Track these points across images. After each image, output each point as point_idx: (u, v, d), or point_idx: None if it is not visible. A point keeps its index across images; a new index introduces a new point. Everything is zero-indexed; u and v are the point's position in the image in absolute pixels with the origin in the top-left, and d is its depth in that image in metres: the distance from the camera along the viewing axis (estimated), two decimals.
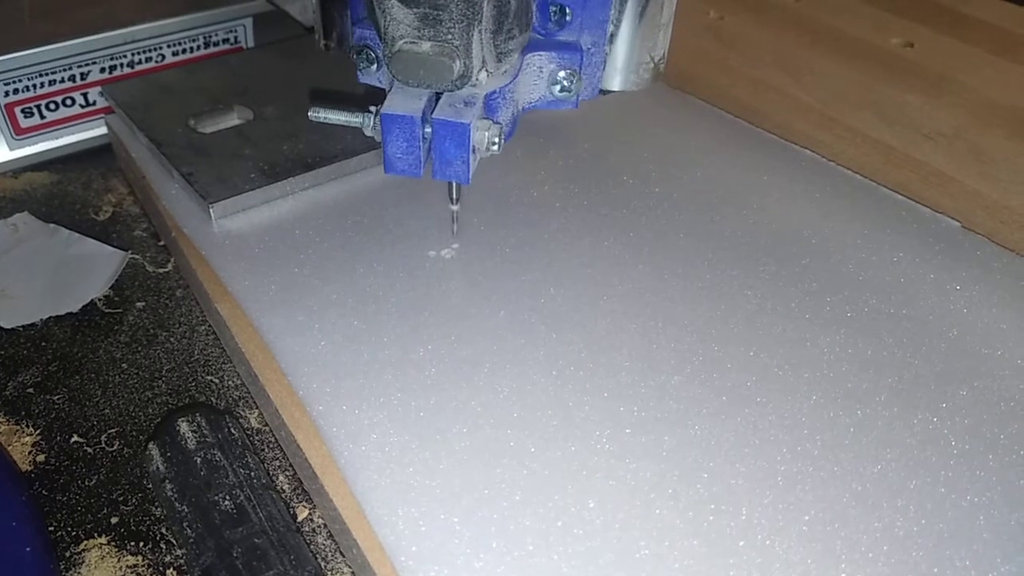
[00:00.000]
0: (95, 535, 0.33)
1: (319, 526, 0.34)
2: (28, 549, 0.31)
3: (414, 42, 0.33)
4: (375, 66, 0.38)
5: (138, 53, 0.55)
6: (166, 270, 0.46)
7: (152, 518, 0.34)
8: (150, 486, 0.35)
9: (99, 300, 0.44)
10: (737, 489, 0.32)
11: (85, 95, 0.54)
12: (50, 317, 0.43)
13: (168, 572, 0.32)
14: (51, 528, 0.34)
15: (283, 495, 0.35)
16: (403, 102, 0.34)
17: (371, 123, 0.36)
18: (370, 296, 0.40)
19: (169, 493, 0.33)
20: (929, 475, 0.32)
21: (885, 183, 0.48)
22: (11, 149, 0.53)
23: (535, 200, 0.46)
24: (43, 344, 0.42)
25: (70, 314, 0.43)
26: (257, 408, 0.39)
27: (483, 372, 0.36)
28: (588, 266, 0.42)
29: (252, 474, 0.34)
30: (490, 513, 0.31)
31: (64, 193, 0.52)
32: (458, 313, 0.39)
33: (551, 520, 0.31)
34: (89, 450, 0.37)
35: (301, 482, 0.36)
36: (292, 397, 0.35)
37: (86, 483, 0.35)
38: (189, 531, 0.31)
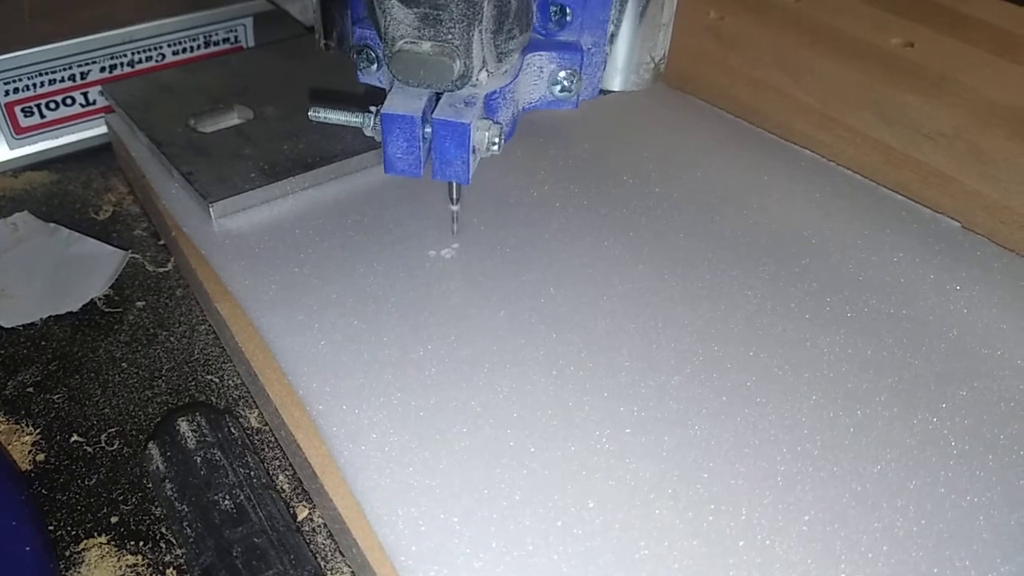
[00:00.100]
0: (95, 534, 0.33)
1: (319, 526, 0.34)
2: (28, 548, 0.31)
3: (414, 42, 0.33)
4: (375, 66, 0.37)
5: (138, 52, 0.55)
6: (166, 269, 0.46)
7: (152, 517, 0.34)
8: (150, 485, 0.35)
9: (99, 299, 0.44)
10: (737, 489, 0.32)
11: (85, 94, 0.54)
12: (50, 316, 0.43)
13: (168, 571, 0.32)
14: (51, 527, 0.34)
15: (283, 495, 0.35)
16: (403, 102, 0.34)
17: (371, 123, 0.36)
18: (370, 296, 0.40)
19: (169, 492, 0.33)
20: (929, 475, 0.32)
21: (885, 183, 0.48)
22: (11, 148, 0.53)
23: (535, 200, 0.46)
24: (43, 343, 0.42)
25: (70, 313, 0.43)
26: (257, 407, 0.39)
27: (483, 372, 0.36)
28: (588, 266, 0.42)
29: (252, 473, 0.34)
30: (490, 513, 0.31)
31: (64, 192, 0.52)
32: (458, 313, 0.39)
33: (551, 520, 0.31)
34: (89, 449, 0.37)
35: (301, 482, 0.36)
36: (292, 396, 0.35)
37: (86, 482, 0.35)
38: (189, 530, 0.31)
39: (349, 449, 0.33)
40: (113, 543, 0.33)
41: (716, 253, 0.43)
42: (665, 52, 0.39)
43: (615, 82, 0.40)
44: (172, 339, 0.42)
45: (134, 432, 0.37)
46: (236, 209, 0.44)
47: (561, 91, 0.38)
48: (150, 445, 0.35)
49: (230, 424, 0.36)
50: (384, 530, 0.30)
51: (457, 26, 0.32)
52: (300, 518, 0.34)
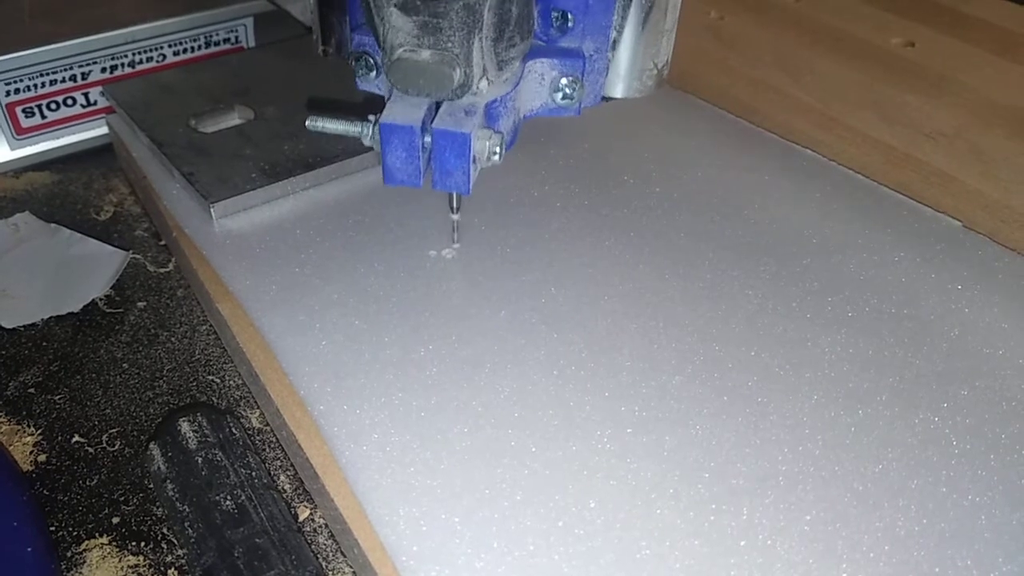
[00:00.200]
0: (96, 535, 0.33)
1: (320, 526, 0.34)
2: (29, 549, 0.31)
3: (413, 50, 0.32)
4: (374, 73, 0.37)
5: (139, 53, 0.55)
6: (167, 270, 0.46)
7: (153, 518, 0.34)
8: (151, 486, 0.35)
9: (100, 300, 0.44)
10: (738, 489, 0.32)
11: (86, 95, 0.54)
12: (51, 317, 0.43)
13: (169, 572, 0.32)
14: (52, 528, 0.34)
15: (284, 495, 0.35)
16: (402, 111, 0.34)
17: (370, 132, 0.35)
18: (371, 296, 0.40)
19: (170, 493, 0.33)
20: (930, 475, 0.32)
21: (886, 183, 0.48)
22: (12, 149, 0.53)
23: (536, 200, 0.46)
24: (44, 344, 0.42)
25: (71, 314, 0.43)
26: (258, 408, 0.39)
27: (484, 372, 0.36)
28: (589, 266, 0.42)
29: (253, 474, 0.34)
30: (491, 513, 0.31)
31: (65, 193, 0.52)
32: (459, 313, 0.39)
33: (552, 520, 0.31)
34: (90, 450, 0.37)
35: (302, 482, 0.36)
36: (293, 397, 0.35)
37: (87, 483, 0.35)
38: (190, 531, 0.31)
39: (350, 449, 0.33)
40: (114, 544, 0.33)
41: (717, 253, 0.43)
42: (668, 58, 0.38)
43: (617, 89, 0.39)
44: (173, 339, 0.42)
45: (135, 432, 0.37)
46: (237, 209, 0.44)
47: (563, 98, 0.37)
48: (151, 445, 0.35)
49: (231, 424, 0.36)
50: (385, 530, 0.30)
51: (457, 34, 0.32)
52: (301, 518, 0.34)
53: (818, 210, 0.46)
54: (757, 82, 0.54)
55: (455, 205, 0.41)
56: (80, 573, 0.32)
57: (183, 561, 0.33)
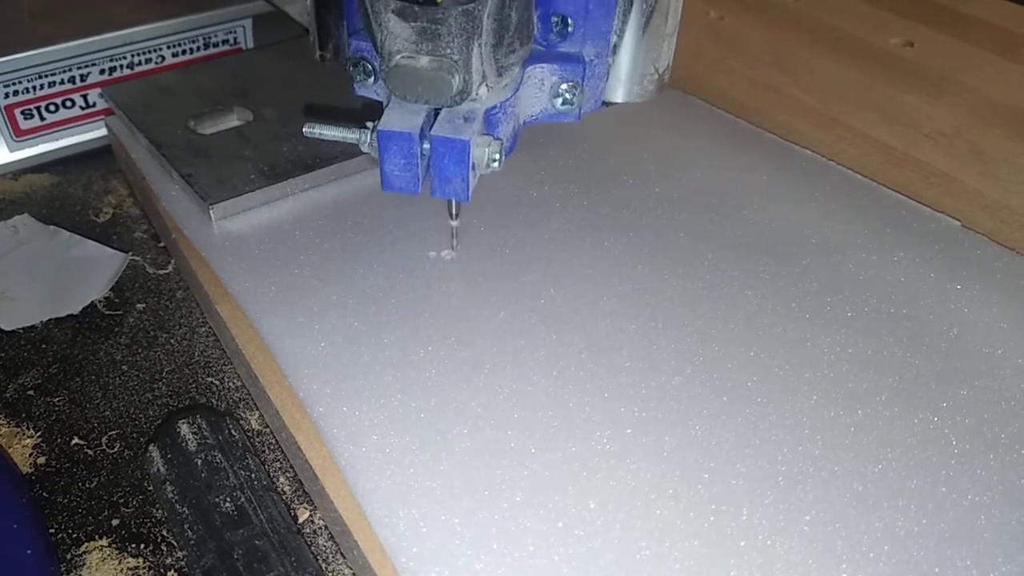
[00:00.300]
0: (96, 537, 0.33)
1: (320, 528, 0.34)
2: (29, 551, 0.31)
3: (412, 57, 0.32)
4: (372, 79, 0.37)
5: (138, 54, 0.55)
6: (166, 272, 0.46)
7: (153, 520, 0.34)
8: (151, 488, 0.35)
9: (99, 302, 0.44)
10: (738, 489, 0.32)
11: (85, 97, 0.54)
12: (50, 319, 0.43)
13: (169, 574, 0.32)
14: (52, 530, 0.34)
15: (284, 497, 0.35)
16: (401, 118, 0.33)
17: (368, 139, 0.35)
18: (370, 297, 0.40)
19: (170, 495, 0.33)
20: (930, 475, 0.32)
21: (885, 183, 0.48)
22: (11, 151, 0.53)
23: (535, 201, 0.46)
24: (43, 346, 0.42)
25: (70, 316, 0.43)
26: (258, 410, 0.39)
27: (483, 373, 0.36)
28: (588, 267, 0.42)
29: (253, 476, 0.34)
30: (491, 514, 0.31)
31: (64, 195, 0.52)
32: (458, 314, 0.39)
33: (552, 521, 0.31)
34: (90, 452, 0.37)
35: (302, 484, 0.36)
36: (293, 399, 0.35)
37: (87, 485, 0.35)
38: (190, 533, 0.31)
39: (350, 451, 0.33)
40: (114, 546, 0.33)
41: (716, 253, 0.43)
42: (669, 63, 0.38)
43: (618, 94, 0.39)
44: (172, 341, 0.42)
45: (135, 435, 0.37)
46: (236, 211, 0.44)
47: (563, 104, 0.37)
48: (151, 447, 0.35)
49: (231, 426, 0.36)
50: (385, 532, 0.30)
51: (456, 40, 0.31)
52: (301, 520, 0.34)
53: (817, 210, 0.46)
54: (756, 82, 0.54)
55: (454, 212, 0.41)
56: (80, 575, 0.32)
57: (183, 563, 0.32)
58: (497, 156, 0.34)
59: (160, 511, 0.34)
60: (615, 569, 0.29)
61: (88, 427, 0.38)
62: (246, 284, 0.41)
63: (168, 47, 0.56)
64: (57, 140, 0.54)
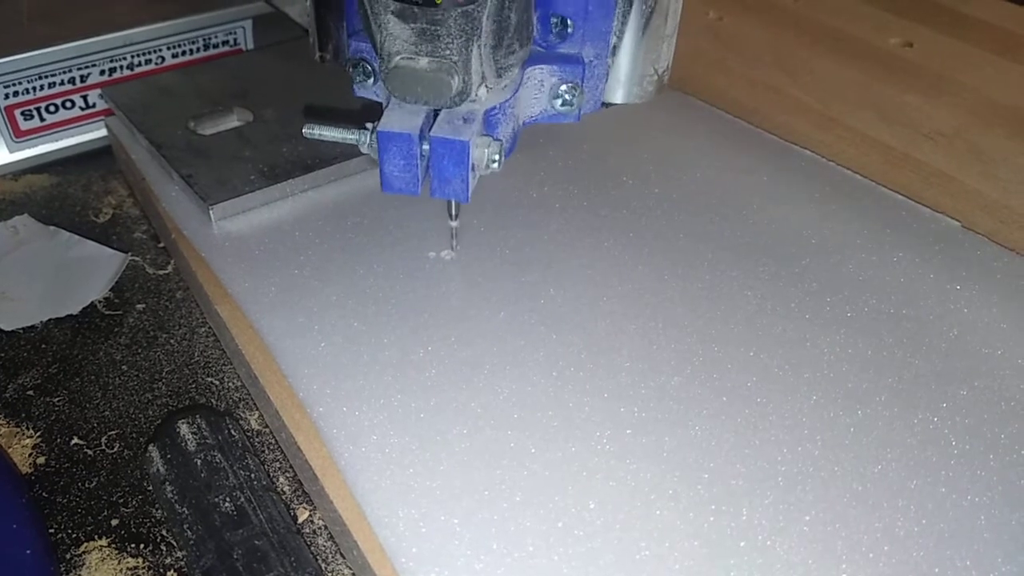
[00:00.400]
0: (95, 537, 0.33)
1: (320, 528, 0.34)
2: (28, 551, 0.31)
3: (411, 58, 0.32)
4: (371, 80, 0.37)
5: (138, 55, 0.55)
6: (166, 272, 0.46)
7: (152, 520, 0.34)
8: (150, 488, 0.35)
9: (99, 302, 0.44)
10: (737, 490, 0.32)
11: (85, 97, 0.54)
12: (50, 319, 0.43)
13: (168, 574, 0.32)
14: (51, 530, 0.34)
15: (283, 497, 0.35)
16: (400, 119, 0.33)
17: (367, 140, 0.35)
18: (370, 297, 0.40)
19: (169, 495, 0.33)
20: (930, 475, 0.32)
21: (885, 183, 0.48)
22: (11, 152, 0.53)
23: (535, 201, 0.46)
24: (43, 346, 0.42)
25: (70, 316, 0.43)
26: (257, 410, 0.39)
27: (483, 373, 0.36)
28: (588, 267, 0.42)
29: (252, 476, 0.34)
30: (490, 514, 0.31)
31: (64, 195, 0.52)
32: (458, 314, 0.39)
33: (552, 521, 0.31)
34: (89, 452, 0.37)
35: (301, 484, 0.36)
36: (292, 399, 0.35)
37: (86, 485, 0.35)
38: (189, 533, 0.31)
39: (350, 451, 0.33)
40: (114, 546, 0.33)
41: (716, 254, 0.43)
42: (669, 64, 0.38)
43: (617, 95, 0.39)
44: (172, 341, 0.42)
45: (134, 435, 0.37)
46: (236, 211, 0.44)
47: (562, 105, 0.37)
48: (150, 448, 0.35)
49: (230, 426, 0.36)
50: (385, 532, 0.30)
51: (455, 41, 0.31)
52: (301, 520, 0.34)
53: (817, 210, 0.46)
54: (756, 82, 0.54)
55: (454, 212, 0.41)
56: (79, 575, 0.32)
57: (182, 563, 0.32)
58: (496, 157, 0.34)
59: (160, 511, 0.34)
60: (615, 569, 0.29)
61: (88, 427, 0.38)
62: (246, 284, 0.41)
63: (168, 48, 0.56)
64: (57, 141, 0.54)
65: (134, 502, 0.35)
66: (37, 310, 0.43)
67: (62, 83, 0.52)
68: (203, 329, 0.43)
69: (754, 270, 0.42)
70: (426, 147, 0.34)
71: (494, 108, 0.35)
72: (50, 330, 0.42)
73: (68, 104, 0.53)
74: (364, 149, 0.35)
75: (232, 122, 0.51)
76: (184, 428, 0.35)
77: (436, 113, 0.34)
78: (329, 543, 0.33)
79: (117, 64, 0.54)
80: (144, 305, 0.44)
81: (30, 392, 0.39)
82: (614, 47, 0.37)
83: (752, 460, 0.33)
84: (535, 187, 0.47)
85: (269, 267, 0.42)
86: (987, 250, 0.43)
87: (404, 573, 0.29)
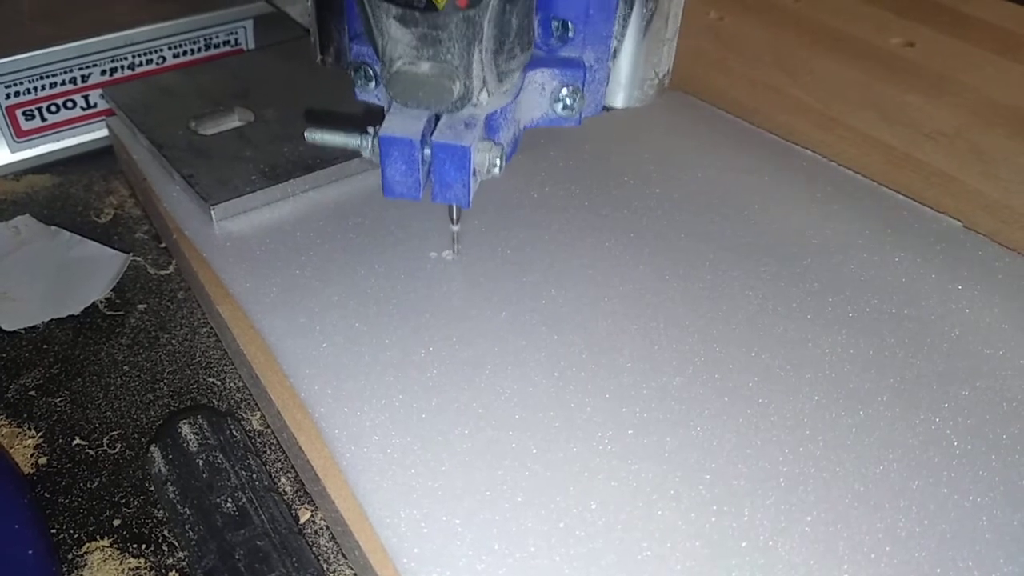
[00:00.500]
0: (97, 537, 0.33)
1: (321, 528, 0.34)
2: (30, 552, 0.31)
3: (413, 63, 0.32)
4: (373, 83, 0.37)
5: (139, 55, 0.55)
6: (167, 272, 0.46)
7: (154, 520, 0.34)
8: (152, 488, 0.35)
9: (101, 302, 0.44)
10: (739, 490, 0.32)
11: (86, 97, 0.54)
12: (52, 319, 0.43)
13: (170, 574, 0.32)
14: (53, 531, 0.34)
15: (285, 497, 0.35)
16: (402, 124, 0.34)
17: (369, 145, 0.35)
18: (371, 298, 0.40)
19: (171, 495, 0.33)
20: (931, 475, 0.32)
21: (886, 183, 0.48)
22: (12, 152, 0.53)
23: (536, 201, 0.46)
24: (45, 347, 0.42)
25: (72, 316, 0.43)
26: (259, 410, 0.39)
27: (484, 373, 0.36)
28: (589, 267, 0.42)
29: (254, 476, 0.34)
30: (492, 515, 0.31)
31: (65, 195, 0.52)
32: (459, 315, 0.39)
33: (553, 521, 0.31)
34: (91, 452, 0.37)
35: (303, 484, 0.36)
36: (294, 399, 0.35)
37: (88, 485, 0.35)
38: (191, 533, 0.31)
39: (351, 451, 0.33)
40: (115, 546, 0.33)
41: (717, 254, 0.43)
42: (669, 67, 0.38)
43: (618, 98, 0.39)
44: (174, 342, 0.42)
45: (136, 435, 0.37)
46: (237, 211, 0.44)
47: (563, 108, 0.37)
48: (152, 448, 0.35)
49: (232, 427, 0.36)
50: (386, 532, 0.30)
51: (456, 46, 0.32)
52: (302, 520, 0.34)
53: (818, 211, 0.46)
54: (757, 82, 0.54)
55: (455, 216, 0.41)
56: (81, 575, 0.32)
57: (184, 563, 0.33)
58: (498, 162, 0.34)
59: (161, 511, 0.34)
60: (616, 570, 0.29)
61: (89, 427, 0.38)
62: (247, 285, 0.41)
63: (169, 48, 0.56)
64: (58, 141, 0.54)
65: (136, 502, 0.35)
66: (39, 310, 0.43)
67: (63, 83, 0.52)
68: (204, 329, 0.43)
69: (755, 270, 0.42)
70: (428, 152, 0.34)
71: (495, 112, 0.35)
72: (52, 330, 0.43)
73: (69, 104, 0.53)
74: (366, 154, 0.35)
75: (233, 122, 0.51)
76: (186, 428, 0.35)
77: (438, 118, 0.34)
78: (331, 543, 0.33)
79: (118, 64, 0.54)
80: (145, 305, 0.44)
81: (32, 392, 0.39)
82: (615, 51, 0.37)
83: (754, 460, 0.33)
84: (536, 187, 0.47)
85: (270, 267, 0.42)
86: (988, 250, 0.43)
87: (406, 573, 0.29)
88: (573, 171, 0.49)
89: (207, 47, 0.58)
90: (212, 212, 0.44)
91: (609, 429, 0.34)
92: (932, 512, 0.31)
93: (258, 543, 0.31)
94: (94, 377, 0.40)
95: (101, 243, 0.47)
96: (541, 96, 0.37)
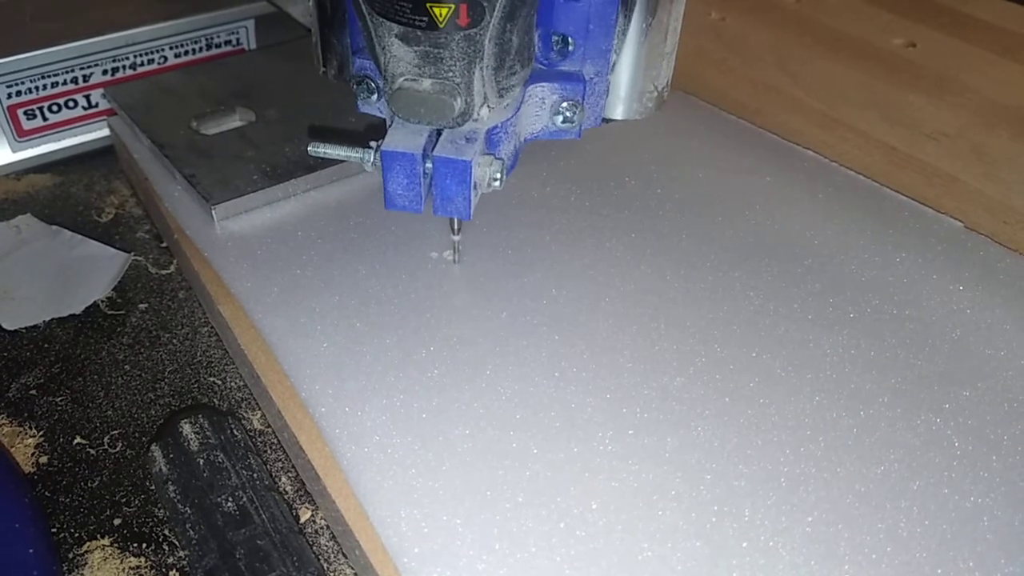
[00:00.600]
0: (98, 536, 0.33)
1: (322, 528, 0.34)
2: (31, 551, 0.31)
3: (414, 79, 0.33)
4: (375, 96, 0.37)
5: (140, 55, 0.55)
6: (168, 272, 0.46)
7: (155, 519, 0.34)
8: (153, 488, 0.35)
9: (102, 302, 0.44)
10: (740, 490, 0.32)
11: (87, 97, 0.54)
12: (53, 319, 0.43)
13: (171, 574, 0.32)
14: (54, 530, 0.34)
15: (286, 497, 0.35)
16: (403, 138, 0.34)
17: (371, 159, 0.35)
18: (372, 298, 0.40)
19: (172, 494, 0.33)
20: (932, 476, 0.32)
21: (888, 184, 0.48)
22: (14, 151, 0.53)
23: (537, 201, 0.46)
24: (46, 346, 0.42)
25: (73, 316, 0.43)
26: (260, 409, 0.39)
27: (485, 373, 0.36)
28: (590, 267, 0.42)
29: (255, 475, 0.34)
30: (493, 515, 0.31)
31: (67, 195, 0.52)
32: (460, 314, 0.39)
33: (554, 522, 0.31)
34: (92, 452, 0.37)
35: (304, 483, 0.36)
36: (295, 399, 0.35)
37: (89, 485, 0.35)
38: (192, 532, 0.31)
39: (352, 451, 0.33)
40: (116, 545, 0.33)
41: (718, 254, 0.43)
42: (669, 80, 0.38)
43: (618, 111, 0.39)
44: (175, 341, 0.42)
45: (137, 434, 0.38)
46: (238, 211, 0.44)
47: (563, 122, 0.37)
48: (153, 447, 0.35)
49: (233, 426, 0.36)
50: (387, 532, 0.30)
51: (458, 64, 0.32)
52: (303, 520, 0.34)
53: (820, 211, 0.46)
54: (758, 83, 0.54)
55: (456, 227, 0.41)
56: (82, 574, 0.32)
57: (185, 563, 0.33)
58: (498, 175, 0.34)
59: (162, 510, 0.34)
60: (617, 570, 0.29)
61: (90, 427, 0.38)
62: (248, 284, 0.41)
63: (170, 48, 0.56)
64: (60, 140, 0.54)
65: (136, 501, 0.35)
66: (40, 310, 0.43)
67: (65, 83, 0.53)
68: (205, 329, 0.43)
69: (756, 271, 0.42)
70: (429, 166, 0.34)
71: (496, 127, 0.35)
72: (53, 330, 0.43)
73: (71, 104, 0.53)
74: (368, 167, 0.36)
75: (234, 122, 0.51)
76: (186, 428, 0.35)
77: (439, 132, 0.35)
78: (331, 543, 0.33)
79: (120, 64, 0.54)
80: (146, 305, 0.44)
81: (33, 392, 0.39)
82: (614, 64, 0.37)
83: (755, 461, 0.33)
84: (537, 187, 0.47)
85: (271, 267, 0.42)
86: (990, 251, 0.43)
87: (406, 573, 0.29)
88: (574, 171, 0.49)
89: (209, 47, 0.58)
90: (213, 212, 0.44)
91: (610, 429, 0.34)
92: (933, 512, 0.31)
93: (259, 542, 0.31)
94: (95, 376, 0.40)
95: (102, 242, 0.47)
96: (541, 110, 0.37)
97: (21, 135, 0.53)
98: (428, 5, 0.30)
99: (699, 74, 0.56)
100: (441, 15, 0.31)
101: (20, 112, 0.52)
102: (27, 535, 0.32)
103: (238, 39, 0.58)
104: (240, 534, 0.31)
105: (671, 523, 0.31)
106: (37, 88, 0.52)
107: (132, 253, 0.47)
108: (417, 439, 0.33)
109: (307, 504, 0.35)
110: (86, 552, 0.33)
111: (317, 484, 0.33)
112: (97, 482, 0.36)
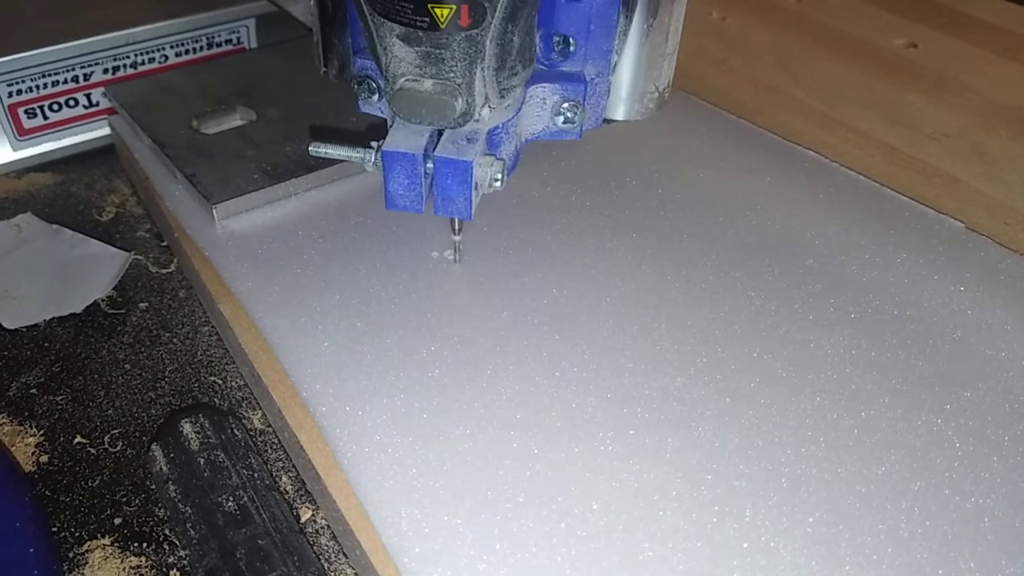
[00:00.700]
0: (98, 536, 0.33)
1: (322, 527, 0.34)
2: (31, 550, 0.31)
3: (416, 80, 0.33)
4: (376, 96, 0.37)
5: (141, 54, 0.55)
6: (169, 271, 0.46)
7: (155, 519, 0.34)
8: (153, 487, 0.35)
9: (102, 301, 0.44)
10: (741, 491, 0.32)
11: (88, 96, 0.54)
12: (53, 318, 0.43)
13: (172, 573, 0.32)
14: (54, 529, 0.34)
15: (286, 496, 0.35)
16: (404, 139, 0.34)
17: (372, 159, 0.35)
18: (373, 297, 0.40)
19: (172, 494, 0.33)
20: (933, 477, 0.32)
21: (888, 184, 0.47)
22: (14, 150, 0.53)
23: (537, 201, 0.46)
24: (46, 345, 0.42)
25: (73, 315, 0.43)
26: (260, 409, 0.39)
27: (486, 373, 0.36)
28: (591, 267, 0.42)
29: (255, 475, 0.34)
30: (493, 515, 0.31)
31: (67, 194, 0.52)
32: (461, 314, 0.39)
33: (554, 522, 0.31)
34: (92, 451, 0.37)
35: (304, 483, 0.36)
36: (295, 398, 0.35)
37: (89, 484, 0.35)
38: (193, 532, 0.31)
39: (352, 451, 0.33)
40: (117, 545, 0.33)
41: (719, 254, 0.43)
42: (670, 81, 0.38)
43: (619, 112, 0.39)
44: (175, 340, 0.42)
45: (137, 434, 0.37)
46: (239, 210, 0.44)
47: (564, 122, 0.37)
48: (153, 447, 0.35)
49: (233, 425, 0.36)
50: (388, 532, 0.30)
51: (459, 64, 0.32)
52: (304, 520, 0.34)
53: (821, 211, 0.46)
54: (759, 83, 0.54)
55: (457, 228, 0.41)
56: (82, 574, 0.32)
57: (185, 562, 0.33)
58: (499, 176, 0.34)
59: (162, 510, 0.34)
60: (618, 570, 0.29)
61: (91, 426, 0.38)
62: (249, 283, 0.41)
63: (171, 47, 0.56)
64: (60, 139, 0.54)
65: (137, 501, 0.35)
66: (40, 309, 0.43)
67: (65, 82, 0.53)
68: (206, 328, 0.43)
69: (757, 271, 0.42)
70: (430, 166, 0.34)
71: (497, 128, 0.35)
72: (53, 329, 0.43)
73: (71, 103, 0.53)
74: (369, 167, 0.36)
75: (235, 121, 0.51)
76: (187, 427, 0.35)
77: (440, 132, 0.35)
78: (332, 543, 0.33)
79: (120, 63, 0.54)
80: (147, 304, 0.44)
81: (33, 391, 0.39)
82: (615, 64, 0.37)
83: (756, 461, 0.33)
84: (538, 187, 0.47)
85: (272, 266, 0.42)
86: (991, 251, 0.43)
87: (407, 573, 0.29)
88: (575, 171, 0.49)
89: (209, 46, 0.58)
90: (214, 211, 0.44)
91: (611, 429, 0.34)
92: (934, 513, 0.31)
93: (259, 542, 0.31)
94: (95, 375, 0.40)
95: (103, 241, 0.47)
96: (542, 110, 0.37)
97: (22, 134, 0.53)
98: (429, 6, 0.30)
99: (700, 74, 0.56)
100: (442, 16, 0.31)
101: (21, 111, 0.52)
102: (27, 534, 0.32)
103: (239, 38, 0.58)
104: (241, 534, 0.31)
105: (672, 523, 0.31)
106: (38, 87, 0.52)
107: (132, 252, 0.47)
108: (418, 439, 0.33)
109: (308, 504, 0.35)
110: (87, 551, 0.33)
111: (318, 484, 0.33)
112: (97, 481, 0.35)
